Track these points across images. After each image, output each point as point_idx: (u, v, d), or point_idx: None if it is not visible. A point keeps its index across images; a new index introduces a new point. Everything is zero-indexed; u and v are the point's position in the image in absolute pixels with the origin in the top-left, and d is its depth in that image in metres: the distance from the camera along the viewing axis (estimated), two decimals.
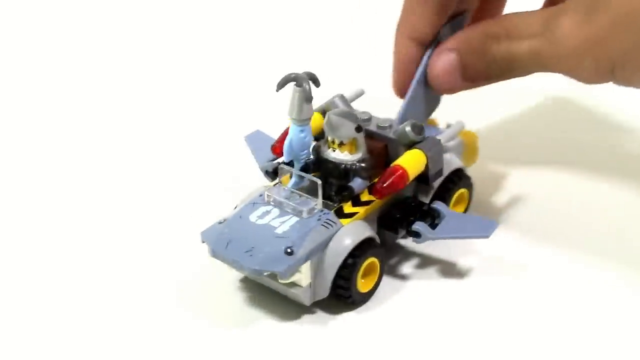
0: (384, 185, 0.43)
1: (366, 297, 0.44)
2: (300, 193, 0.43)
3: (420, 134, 0.45)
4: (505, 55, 0.42)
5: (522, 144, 0.56)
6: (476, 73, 0.44)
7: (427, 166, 0.44)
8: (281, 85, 0.42)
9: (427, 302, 0.44)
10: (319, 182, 0.42)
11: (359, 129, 0.44)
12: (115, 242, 0.49)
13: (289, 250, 0.40)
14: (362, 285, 0.43)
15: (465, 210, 0.49)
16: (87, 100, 0.64)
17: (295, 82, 0.42)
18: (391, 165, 0.44)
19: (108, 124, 0.61)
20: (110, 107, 0.63)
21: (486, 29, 0.43)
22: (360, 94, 0.50)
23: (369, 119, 0.47)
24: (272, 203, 0.43)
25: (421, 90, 0.46)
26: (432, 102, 0.48)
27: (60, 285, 0.46)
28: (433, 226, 0.44)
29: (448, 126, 0.50)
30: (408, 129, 0.44)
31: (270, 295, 0.44)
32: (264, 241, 0.41)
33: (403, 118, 0.46)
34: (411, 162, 0.44)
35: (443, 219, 0.45)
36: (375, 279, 0.44)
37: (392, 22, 0.47)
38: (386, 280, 0.45)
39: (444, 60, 0.44)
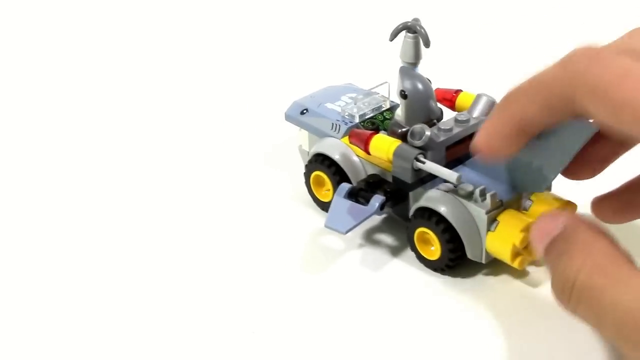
0: None
1: None
2: None
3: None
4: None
5: None
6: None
7: None
8: (394, 35, 0.45)
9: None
10: None
11: None
12: (118, 242, 0.49)
13: None
14: None
15: None
16: (101, 100, 0.64)
17: (408, 30, 0.45)
18: None
19: (126, 124, 0.61)
20: (130, 107, 0.64)
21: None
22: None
23: None
24: None
25: None
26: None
27: (63, 286, 0.46)
28: None
29: None
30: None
31: None
32: None
33: None
34: None
35: None
36: None
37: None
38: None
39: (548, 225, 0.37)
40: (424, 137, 0.44)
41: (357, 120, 0.48)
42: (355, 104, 0.49)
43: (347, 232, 0.45)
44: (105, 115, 0.62)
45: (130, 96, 0.65)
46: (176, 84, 0.66)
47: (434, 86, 0.49)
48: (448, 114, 0.48)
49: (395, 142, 0.45)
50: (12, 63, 0.70)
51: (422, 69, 0.47)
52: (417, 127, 0.44)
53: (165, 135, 0.60)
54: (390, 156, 0.45)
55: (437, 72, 0.50)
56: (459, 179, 0.43)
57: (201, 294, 0.45)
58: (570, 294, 0.34)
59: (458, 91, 0.49)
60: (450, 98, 0.49)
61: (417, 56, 0.46)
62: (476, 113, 0.46)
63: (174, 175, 0.55)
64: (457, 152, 0.46)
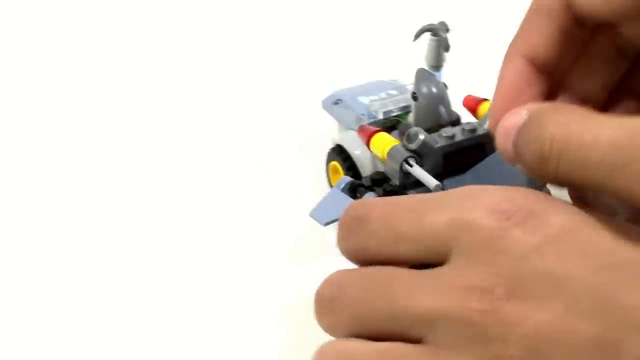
0: None
1: None
2: None
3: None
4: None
5: None
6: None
7: None
8: (417, 36, 0.47)
9: None
10: None
11: None
12: (120, 242, 0.51)
13: None
14: None
15: None
16: (108, 100, 0.66)
17: (431, 32, 0.47)
18: None
19: (135, 124, 0.63)
20: (137, 106, 0.65)
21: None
22: None
23: None
24: None
25: None
26: None
27: (63, 278, 0.47)
28: None
29: None
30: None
31: None
32: None
33: None
34: None
35: None
36: None
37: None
38: None
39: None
40: (417, 141, 0.44)
41: (380, 116, 0.49)
42: (381, 101, 0.50)
43: (326, 224, 0.45)
44: (134, 112, 0.64)
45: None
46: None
47: (463, 93, 0.48)
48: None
49: (392, 143, 0.45)
50: (12, 63, 0.71)
51: (446, 74, 0.46)
52: (413, 130, 0.44)
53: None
54: (385, 155, 0.45)
55: (470, 78, 0.49)
56: (436, 187, 0.43)
57: (212, 279, 0.47)
58: (549, 154, 0.29)
59: (483, 100, 0.48)
60: (474, 107, 0.48)
61: (438, 59, 0.46)
62: (487, 123, 0.45)
63: (198, 165, 0.57)
64: (461, 161, 0.45)
